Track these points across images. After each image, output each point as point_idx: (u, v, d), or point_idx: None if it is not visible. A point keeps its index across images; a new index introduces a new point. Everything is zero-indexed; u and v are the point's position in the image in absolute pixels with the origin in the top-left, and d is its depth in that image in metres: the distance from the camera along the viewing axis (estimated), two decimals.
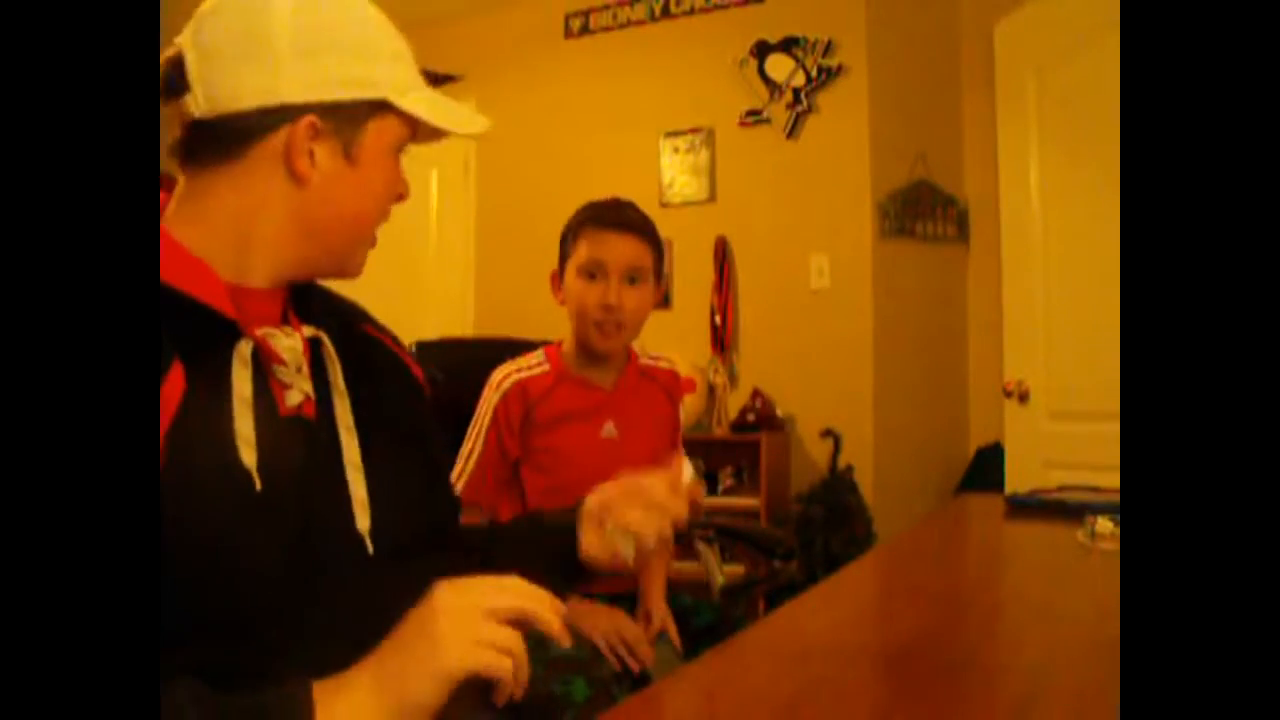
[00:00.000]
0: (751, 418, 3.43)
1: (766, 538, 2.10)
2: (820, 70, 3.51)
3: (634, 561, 0.95)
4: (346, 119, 0.78)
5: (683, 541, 1.89)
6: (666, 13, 3.83)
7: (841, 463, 3.36)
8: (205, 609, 0.69)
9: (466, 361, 1.69)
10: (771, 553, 1.92)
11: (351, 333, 0.89)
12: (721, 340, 3.62)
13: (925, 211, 3.52)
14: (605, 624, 1.47)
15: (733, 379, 3.61)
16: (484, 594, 0.70)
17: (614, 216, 1.55)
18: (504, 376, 1.56)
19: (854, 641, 0.97)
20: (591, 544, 0.97)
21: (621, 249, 1.53)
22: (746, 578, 2.32)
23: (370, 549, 0.79)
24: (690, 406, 3.33)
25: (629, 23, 3.91)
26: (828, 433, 3.40)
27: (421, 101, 0.83)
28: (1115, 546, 1.33)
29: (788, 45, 3.58)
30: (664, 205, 3.73)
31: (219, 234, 0.77)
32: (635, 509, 0.95)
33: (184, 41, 0.77)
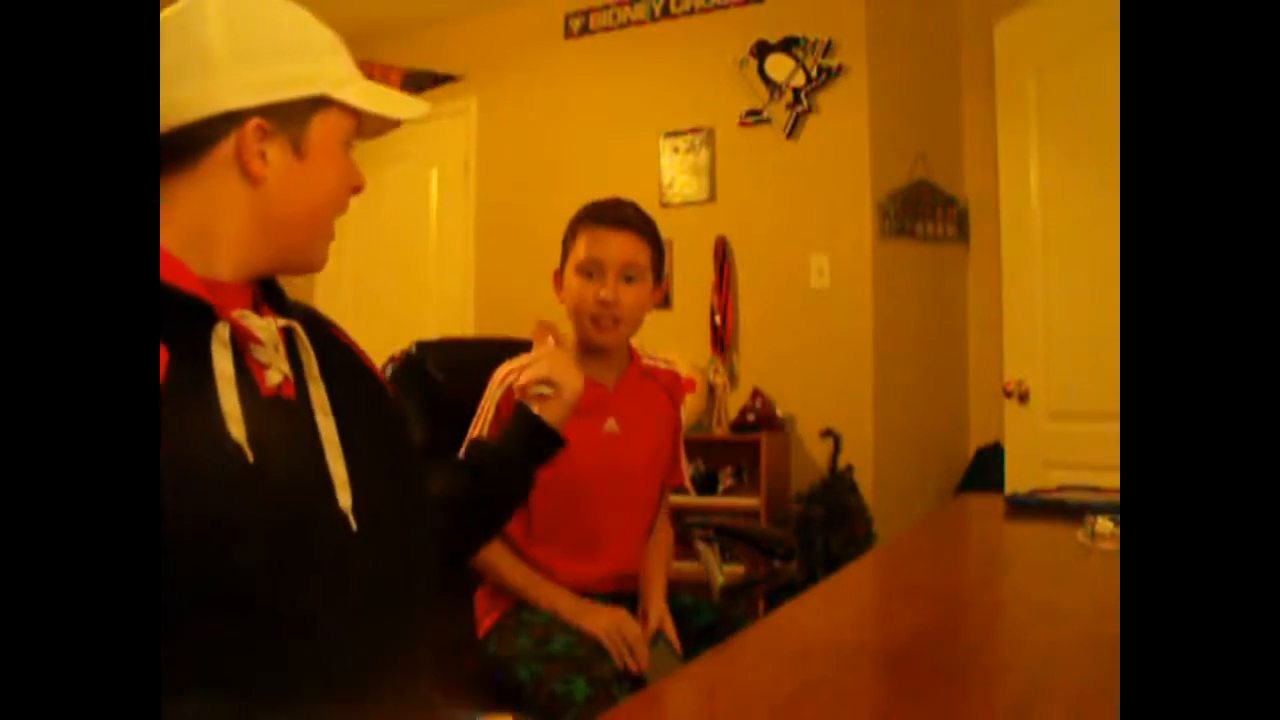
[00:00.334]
0: (751, 418, 3.43)
1: (766, 538, 2.10)
2: (820, 70, 3.51)
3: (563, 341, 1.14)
4: (291, 117, 0.82)
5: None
6: (666, 13, 3.83)
7: (841, 463, 3.36)
8: (205, 582, 0.70)
9: (466, 361, 1.69)
10: (771, 553, 1.92)
11: (323, 333, 0.92)
12: (721, 340, 3.62)
13: (925, 211, 3.52)
14: (606, 621, 1.48)
15: (733, 379, 3.61)
16: None
17: (612, 215, 1.58)
18: (508, 371, 1.57)
19: (854, 641, 0.97)
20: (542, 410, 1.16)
21: (618, 246, 1.55)
22: (746, 578, 2.32)
23: (354, 526, 0.81)
24: (690, 406, 3.33)
25: (629, 23, 3.91)
26: (828, 433, 3.40)
27: (359, 93, 0.86)
28: (1115, 546, 1.33)
29: (788, 45, 3.58)
30: (664, 205, 3.73)
31: (183, 236, 0.79)
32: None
33: None
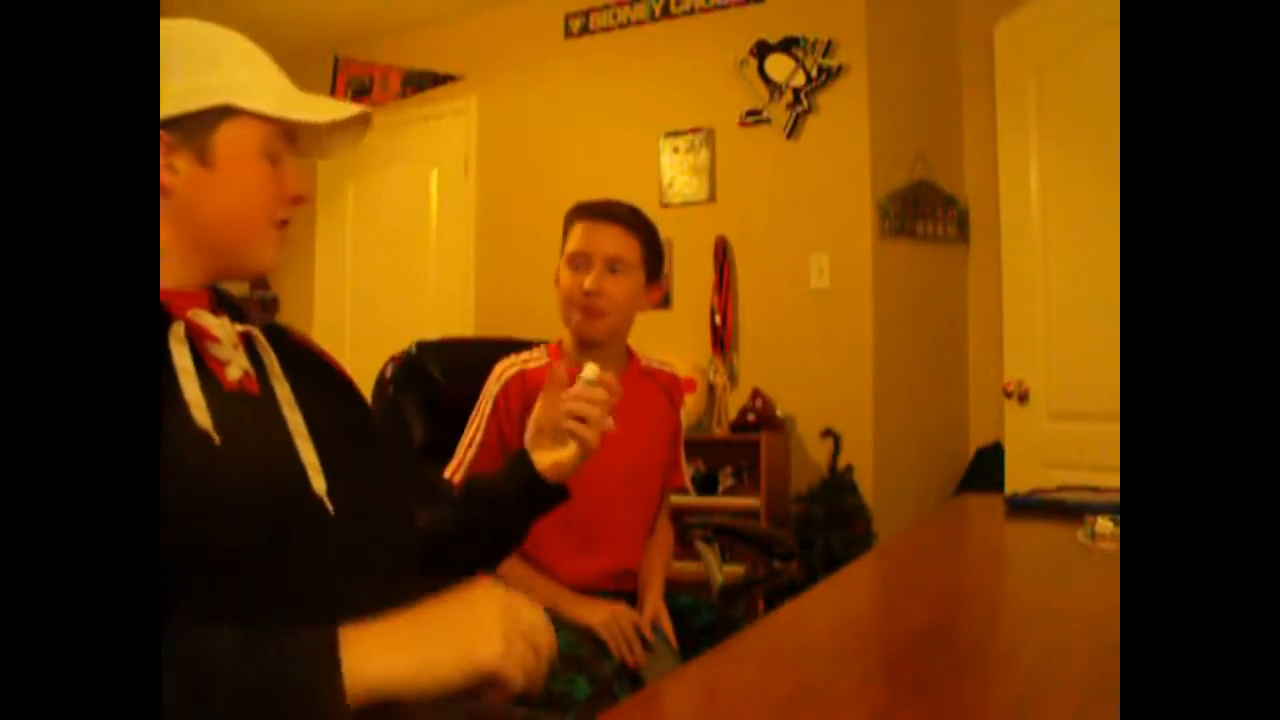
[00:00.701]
0: (751, 418, 3.43)
1: (766, 538, 2.10)
2: (820, 70, 3.51)
3: (592, 441, 1.09)
4: (195, 129, 0.82)
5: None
6: (666, 13, 3.83)
7: (841, 463, 3.36)
8: (182, 566, 0.69)
9: (466, 362, 1.70)
10: (771, 553, 1.92)
11: (284, 339, 0.92)
12: (721, 340, 3.62)
13: (925, 211, 3.52)
14: (605, 612, 1.50)
15: (733, 379, 3.61)
16: (534, 617, 0.81)
17: (601, 209, 1.61)
18: (506, 367, 1.59)
19: (854, 641, 0.97)
20: (543, 458, 1.10)
21: (604, 237, 1.58)
22: (746, 578, 2.32)
23: (330, 510, 0.81)
24: (690, 406, 3.33)
25: (629, 23, 3.91)
26: (828, 433, 3.40)
27: (270, 101, 0.85)
28: (1115, 546, 1.33)
29: (788, 45, 3.58)
30: (664, 205, 3.73)
31: None
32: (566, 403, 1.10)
33: None
